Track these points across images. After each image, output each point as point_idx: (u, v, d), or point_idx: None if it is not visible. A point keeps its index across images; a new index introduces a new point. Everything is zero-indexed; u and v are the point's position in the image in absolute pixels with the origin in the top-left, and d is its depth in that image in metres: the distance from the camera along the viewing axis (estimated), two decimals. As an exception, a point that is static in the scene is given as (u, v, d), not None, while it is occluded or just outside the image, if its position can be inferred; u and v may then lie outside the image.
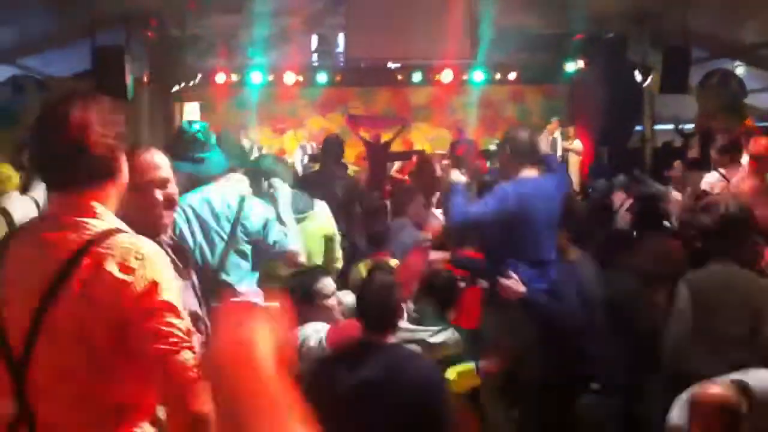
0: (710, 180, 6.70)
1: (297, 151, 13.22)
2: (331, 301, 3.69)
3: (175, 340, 2.00)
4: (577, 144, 13.40)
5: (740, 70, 13.88)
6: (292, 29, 13.32)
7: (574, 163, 13.33)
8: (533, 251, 4.28)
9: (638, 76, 11.75)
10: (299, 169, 11.55)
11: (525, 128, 4.90)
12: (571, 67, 14.09)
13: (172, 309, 2.03)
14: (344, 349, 3.28)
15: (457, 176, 4.47)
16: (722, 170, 6.70)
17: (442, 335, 4.06)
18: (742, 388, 3.00)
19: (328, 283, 3.70)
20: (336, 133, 6.44)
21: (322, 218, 4.49)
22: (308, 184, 5.53)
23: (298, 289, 3.65)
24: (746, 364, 3.82)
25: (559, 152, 13.55)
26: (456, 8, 12.84)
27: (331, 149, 5.91)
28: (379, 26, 12.74)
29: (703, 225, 4.23)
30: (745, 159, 6.66)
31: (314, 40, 13.50)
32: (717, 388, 3.03)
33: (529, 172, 4.43)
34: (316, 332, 3.50)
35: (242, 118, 14.71)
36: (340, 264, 4.60)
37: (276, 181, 4.06)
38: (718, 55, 13.32)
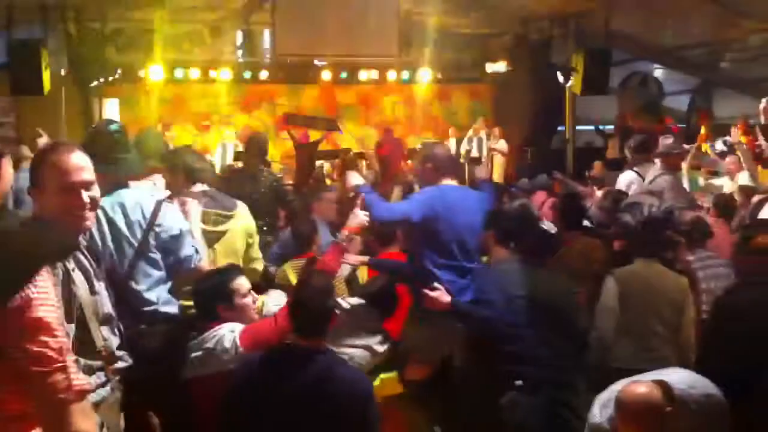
0: (626, 179, 6.84)
1: (217, 149, 12.95)
2: (247, 300, 3.59)
3: (47, 360, 1.94)
4: (501, 144, 13.56)
5: (659, 72, 14.30)
6: (216, 25, 13.13)
7: (499, 163, 13.47)
8: (457, 255, 4.28)
9: (560, 78, 11.95)
10: (218, 167, 11.40)
11: (439, 144, 4.94)
12: (496, 67, 14.24)
13: (44, 327, 1.94)
14: (274, 355, 3.20)
15: (357, 179, 4.46)
16: (636, 168, 6.86)
17: (386, 344, 4.04)
18: (666, 387, 3.05)
19: (243, 282, 3.60)
20: (260, 131, 6.35)
21: (245, 217, 4.40)
22: (232, 183, 5.43)
23: (214, 289, 3.55)
24: (668, 360, 3.91)
25: (485, 152, 13.69)
26: (383, 7, 12.85)
27: (255, 148, 5.81)
28: (307, 24, 12.63)
29: (626, 224, 4.30)
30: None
31: (239, 36, 13.31)
32: (642, 387, 3.07)
33: (452, 182, 4.46)
34: (230, 332, 3.40)
35: (165, 115, 14.40)
36: (260, 264, 4.49)
37: (188, 192, 3.93)
38: (639, 57, 13.68)
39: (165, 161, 4.04)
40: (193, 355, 3.41)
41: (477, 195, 4.60)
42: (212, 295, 3.52)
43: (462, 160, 13.57)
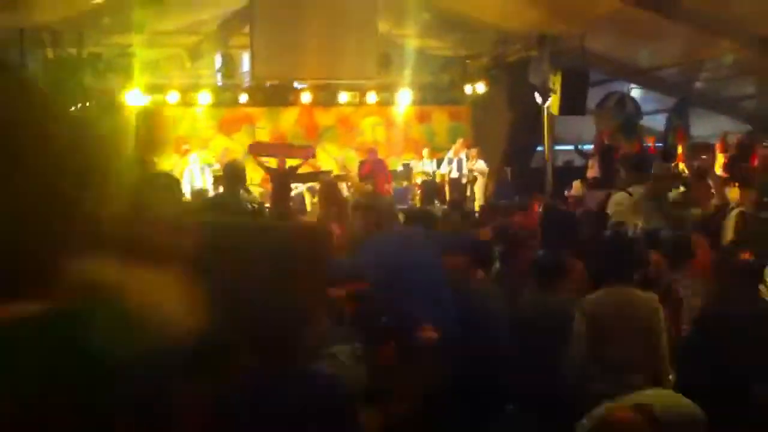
0: (618, 199, 6.85)
1: (185, 174, 12.74)
2: None
3: None
4: (480, 164, 13.61)
5: (636, 92, 14.43)
6: (194, 48, 13.12)
7: (479, 183, 13.51)
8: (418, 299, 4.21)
9: (538, 98, 12.03)
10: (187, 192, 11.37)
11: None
12: (475, 88, 14.34)
13: None
14: (249, 380, 3.15)
15: None
16: (629, 189, 6.89)
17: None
18: (646, 411, 3.04)
19: None
20: (236, 158, 6.31)
21: None
22: (205, 210, 5.37)
23: None
24: (640, 385, 3.89)
25: (465, 172, 13.73)
26: (362, 30, 12.93)
27: (233, 174, 5.77)
28: (285, 47, 12.67)
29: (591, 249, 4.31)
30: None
31: (218, 59, 13.31)
32: (624, 411, 3.06)
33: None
34: None
35: (143, 141, 14.31)
36: None
37: None
38: (615, 77, 13.81)
39: None
40: None
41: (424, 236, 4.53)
42: None
43: (442, 182, 13.62)
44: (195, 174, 12.60)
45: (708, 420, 3.15)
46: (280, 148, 13.27)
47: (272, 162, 11.25)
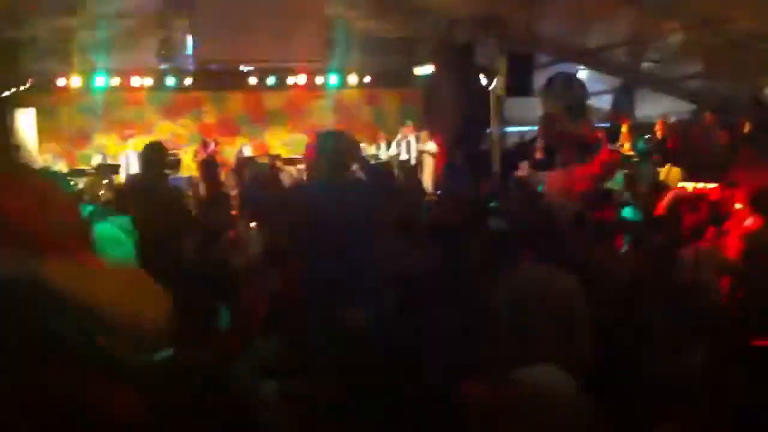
0: (546, 179, 6.89)
1: (121, 159, 12.61)
2: None
3: None
4: (430, 146, 13.56)
5: (583, 73, 14.47)
6: (135, 31, 12.83)
7: (429, 164, 13.48)
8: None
9: (484, 80, 12.00)
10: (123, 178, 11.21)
11: (335, 136, 4.78)
12: (423, 70, 14.27)
13: None
14: None
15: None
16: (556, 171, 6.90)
17: None
18: (511, 383, 3.00)
19: None
20: (156, 141, 6.12)
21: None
22: (125, 198, 5.24)
23: None
24: (562, 362, 3.86)
25: (414, 154, 13.68)
26: (308, 11, 12.74)
27: (151, 157, 5.61)
28: (229, 28, 12.42)
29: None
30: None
31: (160, 42, 13.03)
32: (477, 386, 3.03)
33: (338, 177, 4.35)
34: None
35: (86, 124, 14.03)
36: None
37: None
38: (562, 59, 13.83)
39: None
40: None
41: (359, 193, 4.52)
42: None
43: (392, 163, 13.55)
44: (132, 160, 12.35)
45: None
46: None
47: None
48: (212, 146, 12.86)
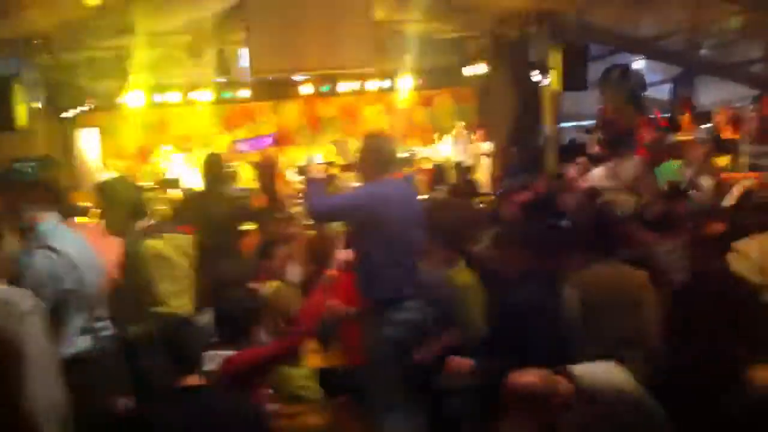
0: (598, 174, 6.77)
1: (177, 171, 12.68)
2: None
3: None
4: (486, 146, 13.47)
5: (639, 63, 14.23)
6: (191, 47, 13.06)
7: (485, 164, 13.39)
8: (400, 251, 4.22)
9: (537, 76, 11.87)
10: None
11: (380, 136, 4.82)
12: (476, 69, 14.18)
13: None
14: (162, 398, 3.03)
15: (317, 172, 4.40)
16: (612, 164, 6.78)
17: None
18: (566, 375, 2.95)
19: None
20: (214, 152, 6.26)
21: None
22: (190, 206, 5.32)
23: (249, 311, 3.50)
24: (632, 361, 3.79)
25: (469, 154, 13.61)
26: (358, 17, 12.79)
27: (211, 169, 5.71)
28: (282, 40, 12.56)
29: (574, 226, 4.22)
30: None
31: (216, 56, 13.24)
32: (527, 375, 2.99)
33: (387, 177, 4.40)
34: (218, 356, 3.33)
35: (147, 141, 14.34)
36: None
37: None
38: (617, 50, 13.61)
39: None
40: None
41: (414, 190, 4.59)
42: (247, 316, 3.46)
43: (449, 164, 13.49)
44: (190, 174, 12.56)
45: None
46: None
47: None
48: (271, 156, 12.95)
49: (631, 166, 6.45)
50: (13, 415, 2.40)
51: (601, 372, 3.09)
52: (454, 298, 4.12)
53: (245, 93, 14.44)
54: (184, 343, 3.01)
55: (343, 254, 4.15)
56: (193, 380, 2.96)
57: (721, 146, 8.06)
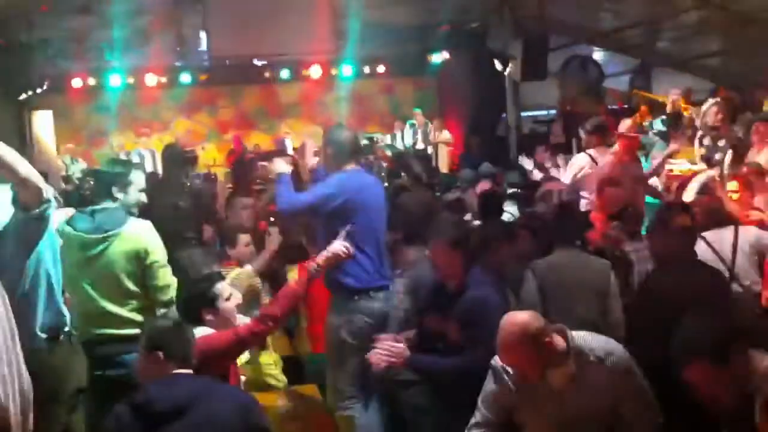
0: (579, 162, 6.79)
1: (134, 156, 12.41)
2: (229, 305, 3.45)
3: None
4: (446, 134, 13.49)
5: (598, 55, 14.35)
6: (149, 29, 12.84)
7: (444, 153, 13.42)
8: (370, 242, 4.23)
9: (498, 65, 11.92)
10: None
11: (344, 127, 4.81)
12: (437, 58, 14.18)
13: None
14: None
15: (282, 166, 4.36)
16: (591, 152, 6.81)
17: None
18: (560, 329, 3.09)
19: (224, 287, 3.47)
20: (174, 143, 6.13)
21: (133, 238, 3.97)
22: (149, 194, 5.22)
23: (198, 294, 3.42)
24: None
25: (430, 142, 13.63)
26: (320, 3, 12.71)
27: (171, 157, 5.62)
28: (242, 23, 12.45)
29: (539, 214, 4.26)
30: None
31: (174, 39, 13.04)
32: (522, 315, 3.10)
33: (352, 167, 4.40)
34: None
35: (102, 124, 14.09)
36: (168, 293, 4.04)
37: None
38: (577, 41, 13.71)
39: None
40: None
41: (377, 180, 4.61)
42: (197, 299, 3.40)
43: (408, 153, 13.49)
44: (147, 158, 12.34)
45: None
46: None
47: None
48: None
49: (608, 154, 6.48)
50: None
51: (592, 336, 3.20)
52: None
53: (203, 77, 14.24)
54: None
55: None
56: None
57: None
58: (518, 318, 3.11)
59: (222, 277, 3.56)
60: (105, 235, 3.81)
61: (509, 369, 3.23)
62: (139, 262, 3.84)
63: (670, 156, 6.88)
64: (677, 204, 4.70)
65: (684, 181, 5.85)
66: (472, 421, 3.34)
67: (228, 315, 3.43)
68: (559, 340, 3.14)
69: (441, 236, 3.88)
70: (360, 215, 4.18)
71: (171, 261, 3.96)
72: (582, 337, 3.21)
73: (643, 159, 8.99)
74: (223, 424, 2.84)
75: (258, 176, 5.86)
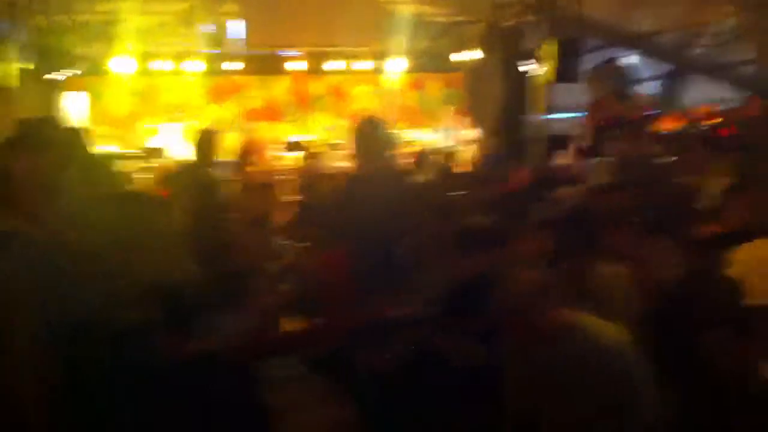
0: (596, 167, 6.82)
1: (163, 141, 12.51)
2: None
3: None
4: (472, 132, 13.49)
5: (632, 59, 14.26)
6: (184, 16, 12.97)
7: (470, 151, 13.41)
8: (379, 239, 4.26)
9: (530, 65, 11.88)
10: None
11: (375, 121, 4.81)
12: (468, 55, 14.16)
13: None
14: None
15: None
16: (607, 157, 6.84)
17: None
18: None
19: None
20: (208, 128, 6.20)
21: None
22: (177, 178, 5.31)
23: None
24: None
25: (456, 140, 13.63)
26: (354, -3, 12.76)
27: (207, 142, 5.70)
28: (278, 15, 12.55)
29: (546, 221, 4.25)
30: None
31: (208, 27, 13.15)
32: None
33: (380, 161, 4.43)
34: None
35: (135, 108, 14.25)
36: None
37: None
38: (611, 44, 13.63)
39: None
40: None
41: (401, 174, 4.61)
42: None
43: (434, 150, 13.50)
44: (177, 143, 12.51)
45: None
46: None
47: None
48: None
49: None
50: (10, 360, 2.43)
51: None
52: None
53: (235, 65, 14.36)
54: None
55: None
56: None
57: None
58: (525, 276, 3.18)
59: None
60: None
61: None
62: None
63: None
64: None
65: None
66: None
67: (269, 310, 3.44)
68: (561, 313, 3.17)
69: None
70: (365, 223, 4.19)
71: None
72: (584, 316, 3.23)
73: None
74: None
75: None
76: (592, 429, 3.08)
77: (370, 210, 4.24)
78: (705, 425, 3.36)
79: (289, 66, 14.47)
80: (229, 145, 13.17)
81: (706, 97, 12.85)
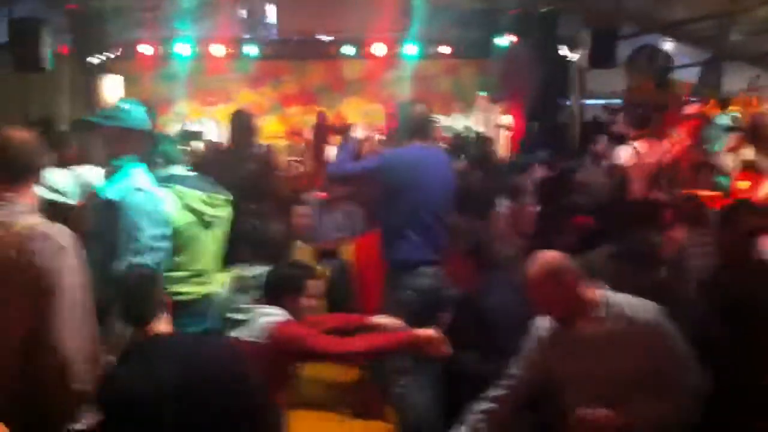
0: (623, 154, 6.77)
1: (198, 125, 12.59)
2: (311, 303, 3.49)
3: None
4: (507, 119, 13.40)
5: (668, 45, 14.05)
6: (218, 0, 13.02)
7: (505, 137, 13.33)
8: (423, 216, 4.27)
9: (566, 52, 11.78)
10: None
11: (413, 104, 4.81)
12: (504, 41, 14.06)
13: None
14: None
15: (358, 132, 4.47)
16: (635, 144, 6.78)
17: None
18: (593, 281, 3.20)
19: (316, 285, 3.51)
20: (242, 109, 6.17)
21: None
22: (217, 165, 5.30)
23: (292, 278, 3.46)
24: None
25: (491, 127, 13.55)
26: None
27: (238, 125, 5.70)
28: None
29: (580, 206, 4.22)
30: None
31: (242, 11, 13.19)
32: (549, 252, 3.21)
33: (415, 143, 4.44)
34: (267, 318, 3.29)
35: (169, 92, 14.36)
36: None
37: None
38: (648, 30, 13.45)
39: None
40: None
41: (444, 156, 4.63)
42: (286, 281, 3.47)
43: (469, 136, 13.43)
44: (211, 127, 12.57)
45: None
46: None
47: None
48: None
49: (657, 148, 6.44)
50: (46, 350, 2.47)
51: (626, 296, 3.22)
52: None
53: (270, 50, 14.39)
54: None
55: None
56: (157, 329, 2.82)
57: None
58: (547, 254, 3.20)
59: (314, 275, 3.55)
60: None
61: (545, 324, 3.29)
62: None
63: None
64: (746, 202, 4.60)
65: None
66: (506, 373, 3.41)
67: (302, 312, 3.43)
68: (589, 290, 3.19)
69: (453, 246, 3.93)
70: (411, 191, 4.22)
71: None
72: (615, 294, 3.23)
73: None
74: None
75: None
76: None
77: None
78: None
79: (323, 50, 14.48)
80: (267, 130, 13.30)
81: (743, 85, 12.63)
